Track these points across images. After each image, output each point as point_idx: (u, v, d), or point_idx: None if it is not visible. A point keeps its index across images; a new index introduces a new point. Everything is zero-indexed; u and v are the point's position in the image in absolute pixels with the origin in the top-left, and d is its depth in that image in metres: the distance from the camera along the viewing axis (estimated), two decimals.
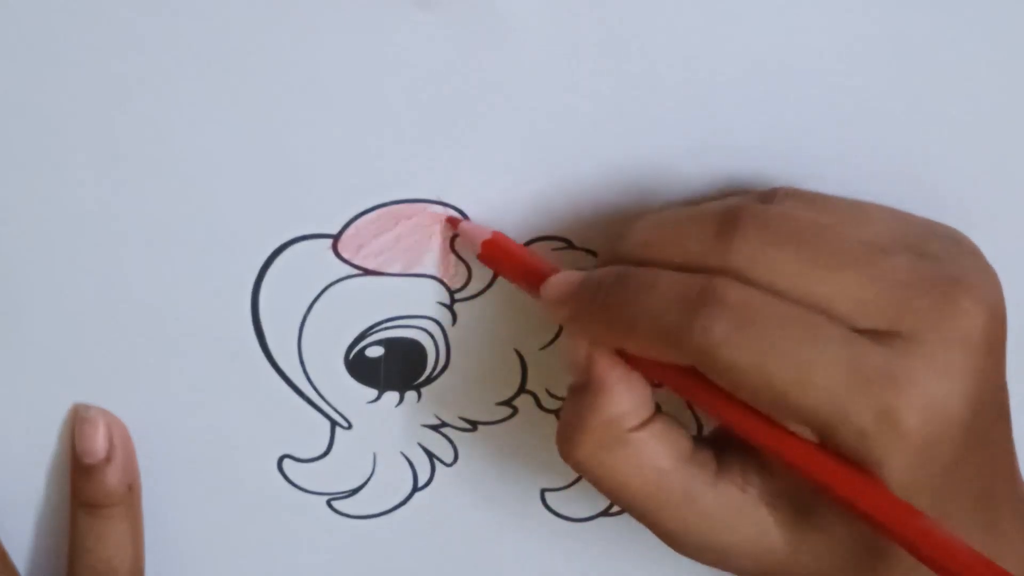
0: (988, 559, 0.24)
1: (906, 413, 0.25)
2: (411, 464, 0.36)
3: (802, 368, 0.25)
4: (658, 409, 0.29)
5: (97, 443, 0.34)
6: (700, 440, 0.29)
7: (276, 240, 0.32)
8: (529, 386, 0.35)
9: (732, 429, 0.27)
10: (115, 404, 0.34)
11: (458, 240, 0.33)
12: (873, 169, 0.32)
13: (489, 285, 0.33)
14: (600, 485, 0.28)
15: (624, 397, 0.28)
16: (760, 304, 0.25)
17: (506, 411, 0.36)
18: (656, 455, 0.28)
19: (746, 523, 0.28)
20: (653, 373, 0.28)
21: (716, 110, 0.31)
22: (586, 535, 0.38)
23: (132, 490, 0.35)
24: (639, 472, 0.28)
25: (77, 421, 0.34)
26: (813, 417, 0.25)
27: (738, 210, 0.27)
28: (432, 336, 0.34)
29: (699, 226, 0.27)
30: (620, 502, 0.28)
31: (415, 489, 0.37)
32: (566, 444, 0.28)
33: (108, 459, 0.34)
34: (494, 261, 0.32)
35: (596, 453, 0.28)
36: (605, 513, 0.37)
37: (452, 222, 0.32)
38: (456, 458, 0.36)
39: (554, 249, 0.33)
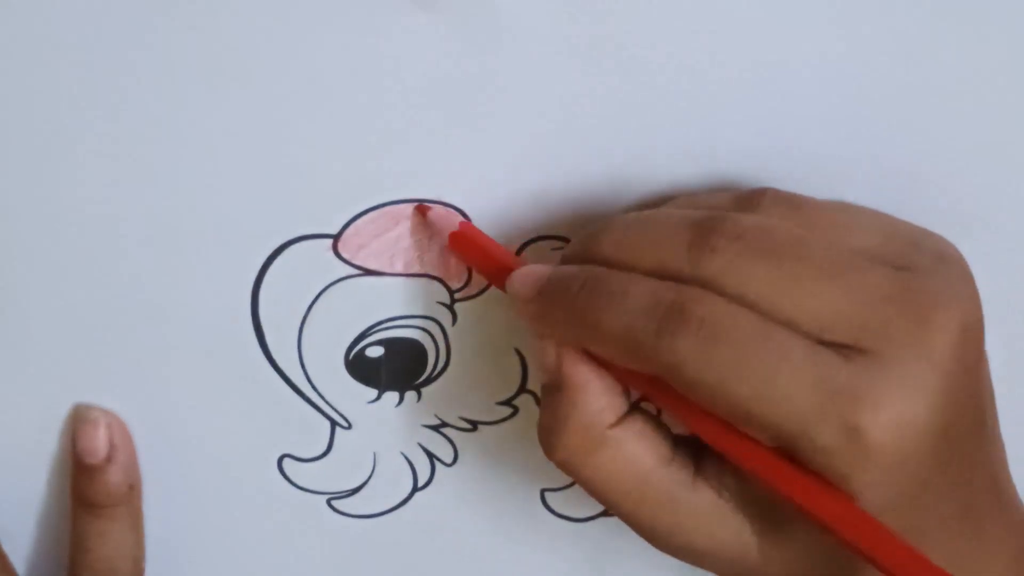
0: (946, 572, 0.24)
1: (872, 429, 0.25)
2: (411, 464, 0.36)
3: (766, 383, 0.25)
4: (637, 406, 0.29)
5: (98, 443, 0.34)
6: (679, 440, 0.29)
7: (276, 240, 0.32)
8: (529, 386, 0.35)
9: (700, 437, 0.27)
10: (115, 404, 0.34)
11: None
12: (870, 171, 0.32)
13: (489, 285, 0.33)
14: (584, 484, 0.28)
15: (597, 394, 0.28)
16: (727, 320, 0.25)
17: (506, 411, 0.36)
18: (637, 456, 0.28)
19: (722, 528, 0.28)
20: (620, 376, 0.28)
21: (715, 110, 0.31)
22: (586, 535, 0.37)
23: (133, 490, 0.35)
24: (621, 473, 0.28)
25: (78, 421, 0.34)
26: (777, 431, 0.25)
27: (714, 220, 0.27)
28: (432, 336, 0.34)
29: (674, 233, 0.27)
30: (603, 500, 0.29)
31: (415, 489, 0.37)
32: (547, 445, 0.29)
33: (109, 459, 0.34)
34: (462, 252, 0.31)
35: (578, 454, 0.28)
36: (605, 513, 0.37)
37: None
38: (456, 458, 0.36)
39: (554, 249, 0.33)
